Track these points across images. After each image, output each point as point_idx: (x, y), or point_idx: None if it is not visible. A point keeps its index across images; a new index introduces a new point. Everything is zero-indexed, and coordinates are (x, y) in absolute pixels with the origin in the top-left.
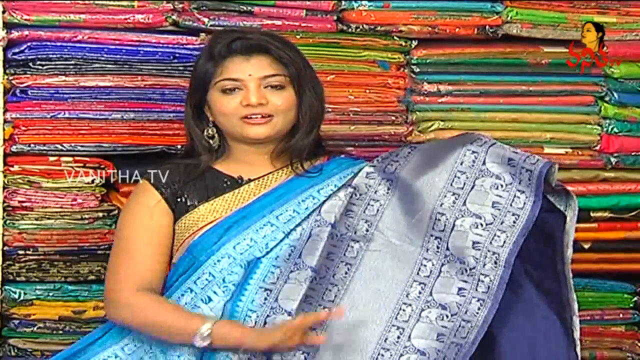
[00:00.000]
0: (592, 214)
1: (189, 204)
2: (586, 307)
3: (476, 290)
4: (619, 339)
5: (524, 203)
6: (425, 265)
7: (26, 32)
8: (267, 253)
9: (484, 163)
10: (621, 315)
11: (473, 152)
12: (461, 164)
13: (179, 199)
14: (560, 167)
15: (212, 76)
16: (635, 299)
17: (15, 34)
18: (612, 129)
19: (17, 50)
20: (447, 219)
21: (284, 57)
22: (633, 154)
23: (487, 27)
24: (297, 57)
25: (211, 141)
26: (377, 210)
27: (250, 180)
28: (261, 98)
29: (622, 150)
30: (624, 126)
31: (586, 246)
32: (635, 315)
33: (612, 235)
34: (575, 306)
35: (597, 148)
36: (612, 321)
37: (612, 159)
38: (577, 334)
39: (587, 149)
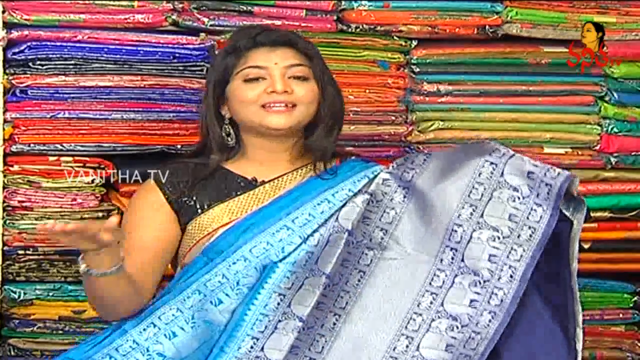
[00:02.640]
0: (592, 214)
1: (198, 205)
2: (586, 307)
3: (489, 302)
4: (618, 339)
5: (541, 217)
6: (438, 276)
7: (26, 32)
8: (284, 258)
9: (502, 175)
10: (621, 315)
11: (492, 163)
12: (479, 175)
13: (185, 201)
14: (560, 167)
15: (235, 67)
16: (635, 299)
17: (15, 34)
18: (612, 128)
19: (17, 50)
20: (464, 231)
21: (309, 50)
22: (633, 153)
23: (487, 27)
24: (318, 53)
25: (228, 139)
26: (393, 218)
27: (264, 182)
28: (286, 86)
29: (622, 150)
30: (624, 126)
31: (586, 246)
32: (635, 315)
33: (612, 235)
34: (580, 318)
35: (597, 148)
36: (612, 321)
37: (612, 159)
38: (579, 346)
39: (587, 149)
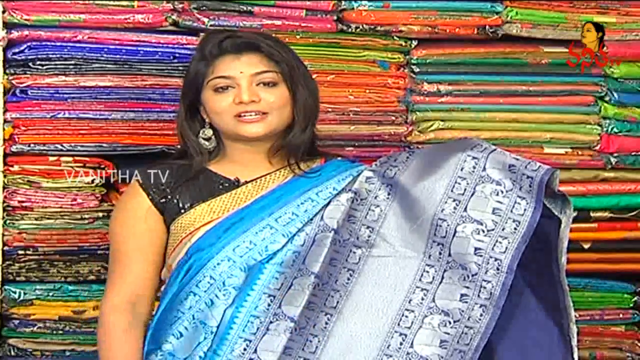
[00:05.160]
0: (592, 214)
1: (181, 205)
2: (586, 307)
3: (478, 296)
4: (619, 339)
5: (525, 209)
6: (427, 272)
7: (26, 32)
8: (270, 258)
9: (484, 169)
10: (621, 315)
11: (473, 157)
12: (461, 169)
13: (169, 202)
14: (560, 167)
15: (204, 76)
16: (635, 299)
17: (15, 34)
18: (612, 129)
19: (17, 50)
20: (448, 225)
21: (275, 54)
22: (633, 154)
23: (487, 27)
24: (288, 54)
25: (207, 143)
26: (378, 215)
27: (246, 182)
28: (253, 95)
29: (622, 150)
30: (624, 126)
31: (586, 246)
32: (635, 315)
33: (612, 235)
34: (572, 313)
35: (597, 148)
36: (612, 321)
37: (612, 159)
38: (574, 341)
39: (587, 149)
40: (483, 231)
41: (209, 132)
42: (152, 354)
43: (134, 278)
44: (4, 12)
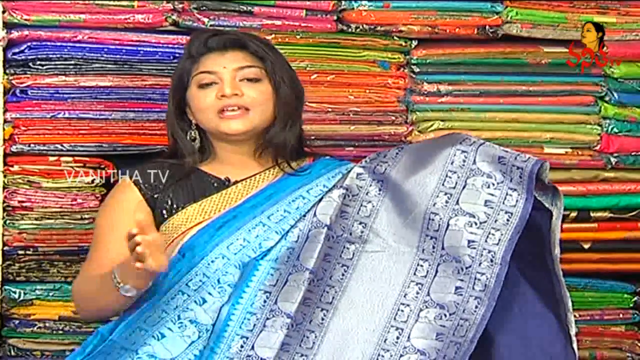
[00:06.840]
0: (592, 214)
1: (173, 205)
2: (586, 307)
3: (473, 288)
4: (619, 339)
5: (516, 201)
6: (421, 266)
7: (26, 32)
8: (265, 254)
9: (474, 162)
10: (621, 315)
11: (463, 151)
12: (452, 163)
13: (160, 200)
14: (560, 167)
15: (190, 72)
16: (635, 299)
17: (15, 34)
18: (612, 129)
19: (17, 50)
20: (441, 219)
21: (259, 51)
22: (633, 154)
23: (487, 27)
24: (273, 52)
25: (193, 144)
26: (371, 211)
27: (237, 182)
28: (235, 89)
29: (622, 150)
30: (624, 126)
31: (586, 246)
32: (635, 315)
33: (612, 235)
34: (569, 303)
35: (597, 148)
36: (612, 321)
37: (612, 159)
38: (572, 331)
39: (587, 149)
40: (475, 224)
41: (194, 133)
42: (127, 357)
43: (107, 263)
44: (4, 12)
